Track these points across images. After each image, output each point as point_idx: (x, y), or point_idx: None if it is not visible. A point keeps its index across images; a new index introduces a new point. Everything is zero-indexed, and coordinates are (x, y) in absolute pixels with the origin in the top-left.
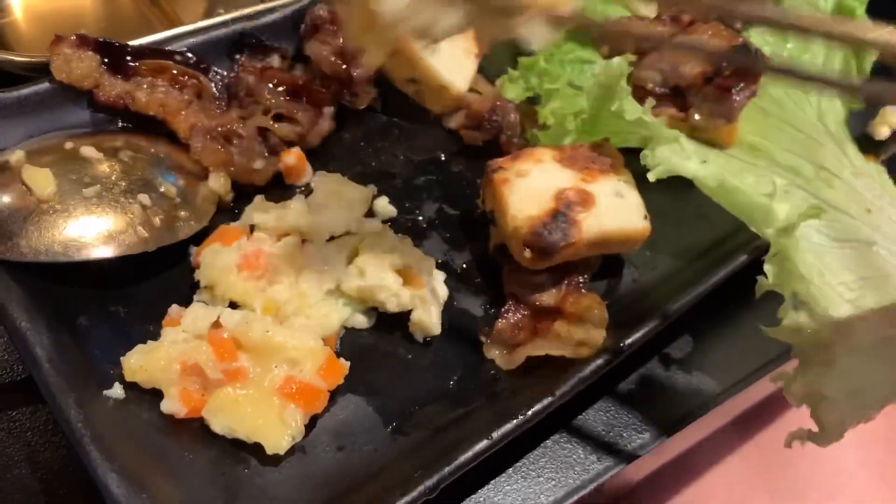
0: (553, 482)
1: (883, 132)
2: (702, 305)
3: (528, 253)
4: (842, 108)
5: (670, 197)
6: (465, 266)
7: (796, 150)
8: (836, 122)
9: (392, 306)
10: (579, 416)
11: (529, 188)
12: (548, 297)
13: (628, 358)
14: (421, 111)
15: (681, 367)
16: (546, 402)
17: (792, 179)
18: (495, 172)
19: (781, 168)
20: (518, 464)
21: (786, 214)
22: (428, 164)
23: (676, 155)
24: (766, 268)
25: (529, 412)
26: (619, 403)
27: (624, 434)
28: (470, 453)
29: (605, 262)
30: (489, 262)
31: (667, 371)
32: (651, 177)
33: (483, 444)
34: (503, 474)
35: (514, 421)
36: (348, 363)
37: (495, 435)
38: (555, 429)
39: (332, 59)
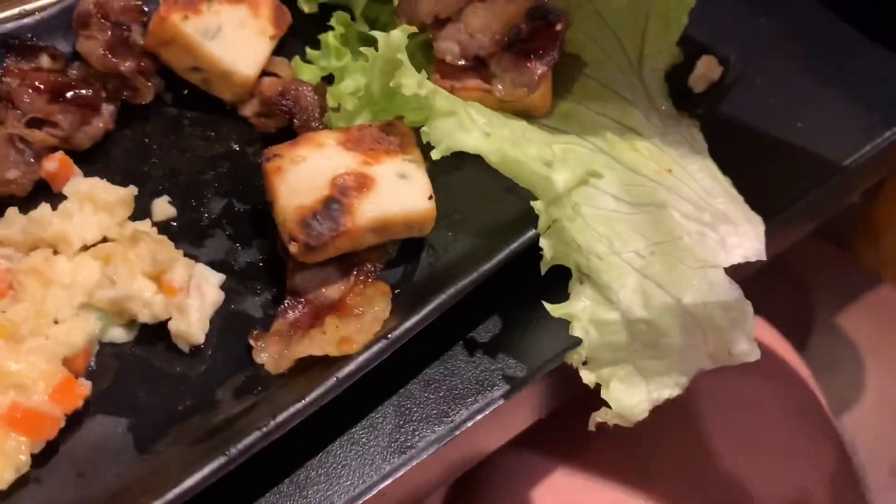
0: (349, 480)
1: (700, 86)
2: (511, 284)
3: (293, 247)
4: (664, 61)
5: (479, 172)
6: (248, 264)
7: (608, 113)
8: (656, 79)
9: (146, 317)
10: (370, 413)
11: (304, 176)
12: (333, 291)
13: (432, 344)
14: (215, 100)
15: (486, 351)
16: (294, 409)
17: (597, 145)
18: (269, 161)
19: (589, 134)
20: (295, 474)
21: (563, 183)
22: (219, 157)
23: (457, 129)
24: (542, 242)
25: (272, 423)
26: (413, 395)
27: (417, 429)
28: (206, 470)
29: (404, 247)
30: (278, 259)
31: (471, 357)
32: (434, 155)
33: (218, 462)
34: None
35: (257, 433)
36: (89, 383)
37: (233, 451)
38: (342, 429)
39: (101, 53)
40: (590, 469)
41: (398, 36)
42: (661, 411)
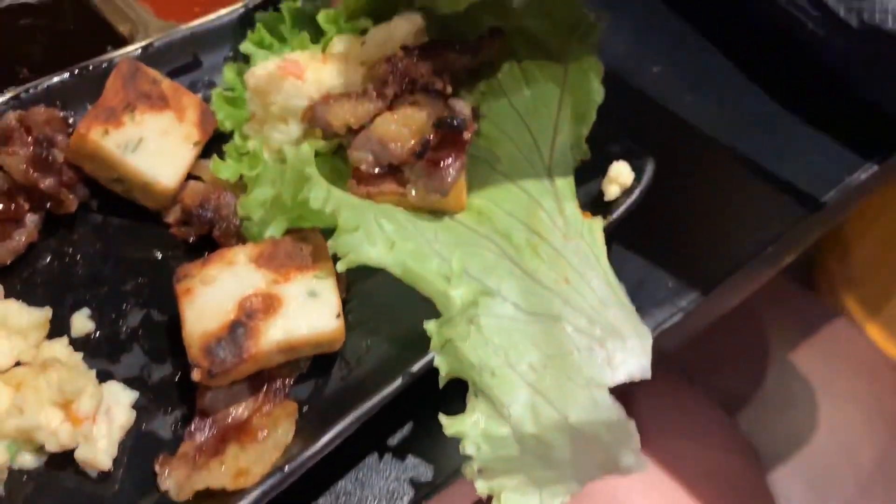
0: None
1: (612, 192)
2: (425, 388)
3: (196, 374)
4: (573, 158)
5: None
6: (161, 380)
7: (517, 214)
8: (565, 177)
9: (53, 446)
10: None
11: (212, 299)
12: (241, 410)
13: (345, 454)
14: (141, 207)
15: (396, 454)
16: None
17: (504, 249)
18: (180, 282)
19: (498, 236)
20: None
21: (460, 300)
22: (141, 265)
23: (362, 243)
24: (437, 360)
25: None
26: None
27: None
28: None
29: (316, 360)
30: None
31: (380, 461)
32: (339, 267)
33: None
34: None
35: None
36: None
37: None
38: None
39: (23, 168)
40: None
41: (306, 150)
42: None
